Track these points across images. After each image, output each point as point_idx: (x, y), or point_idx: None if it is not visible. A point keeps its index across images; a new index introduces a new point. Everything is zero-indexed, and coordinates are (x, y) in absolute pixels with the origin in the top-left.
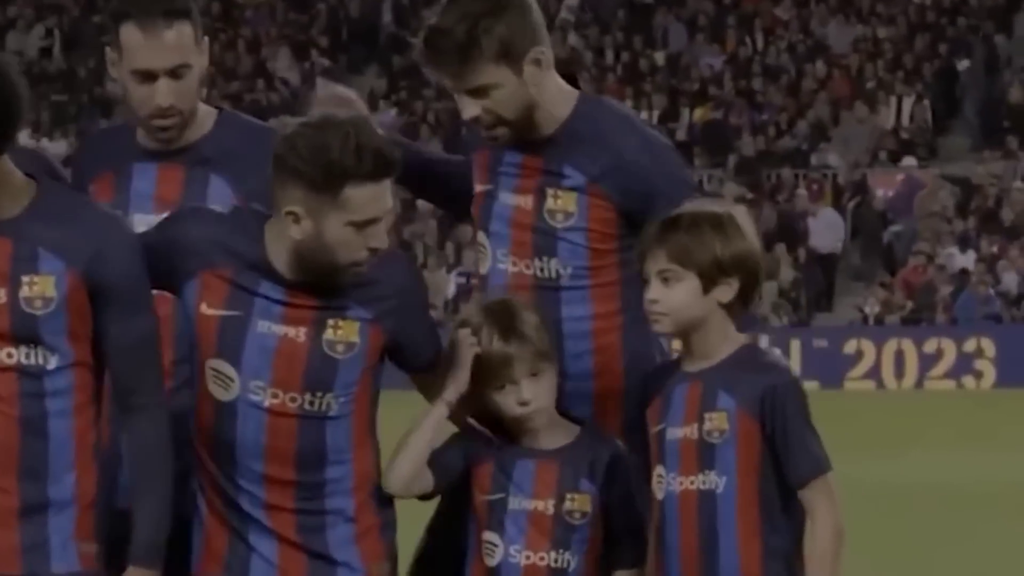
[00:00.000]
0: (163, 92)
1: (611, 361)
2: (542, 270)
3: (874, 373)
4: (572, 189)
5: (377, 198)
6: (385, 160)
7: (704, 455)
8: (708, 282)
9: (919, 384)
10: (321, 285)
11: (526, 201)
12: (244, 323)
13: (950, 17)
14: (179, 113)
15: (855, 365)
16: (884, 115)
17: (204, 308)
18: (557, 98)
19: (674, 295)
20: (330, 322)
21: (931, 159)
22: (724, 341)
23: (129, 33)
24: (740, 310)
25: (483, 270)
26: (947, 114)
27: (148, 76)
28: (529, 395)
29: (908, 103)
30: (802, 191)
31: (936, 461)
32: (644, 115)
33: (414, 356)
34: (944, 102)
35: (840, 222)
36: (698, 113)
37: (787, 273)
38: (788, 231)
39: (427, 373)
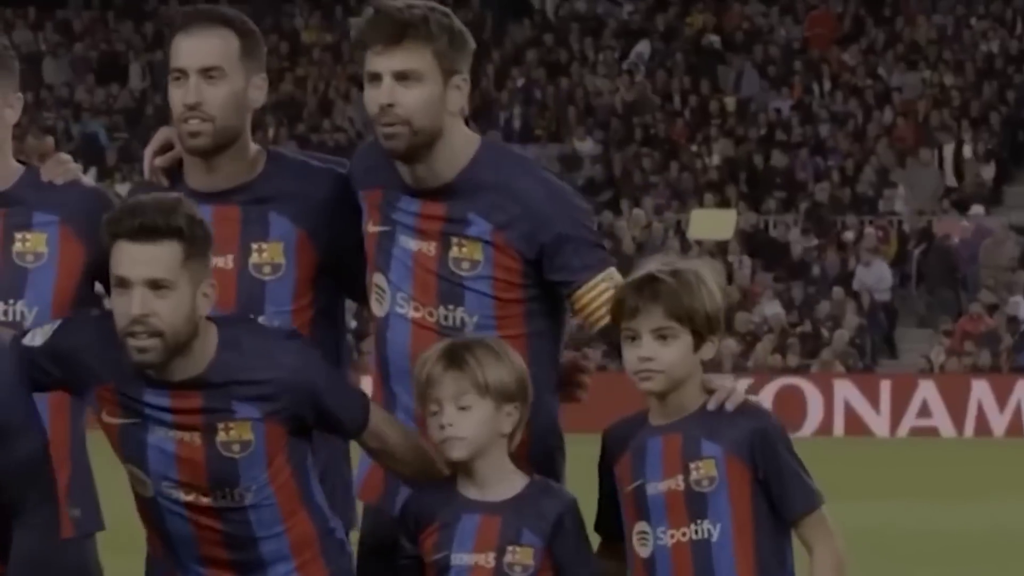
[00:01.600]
0: (192, 89)
1: None
2: (446, 318)
3: (937, 419)
4: (477, 238)
5: (132, 261)
6: (146, 226)
7: (694, 505)
8: (699, 339)
9: (983, 432)
10: (200, 385)
11: (429, 247)
12: (142, 431)
13: (1017, 65)
14: (210, 119)
15: (920, 411)
16: (950, 162)
17: (105, 417)
18: (461, 142)
19: (670, 353)
20: (219, 425)
21: (996, 207)
22: (697, 396)
23: (174, 43)
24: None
25: (380, 313)
26: (1013, 162)
27: (181, 75)
28: (449, 420)
29: (974, 150)
30: (868, 238)
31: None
32: (708, 160)
33: (337, 431)
34: (1010, 150)
35: (887, 272)
36: (764, 158)
37: (852, 320)
38: (852, 278)
39: (361, 435)
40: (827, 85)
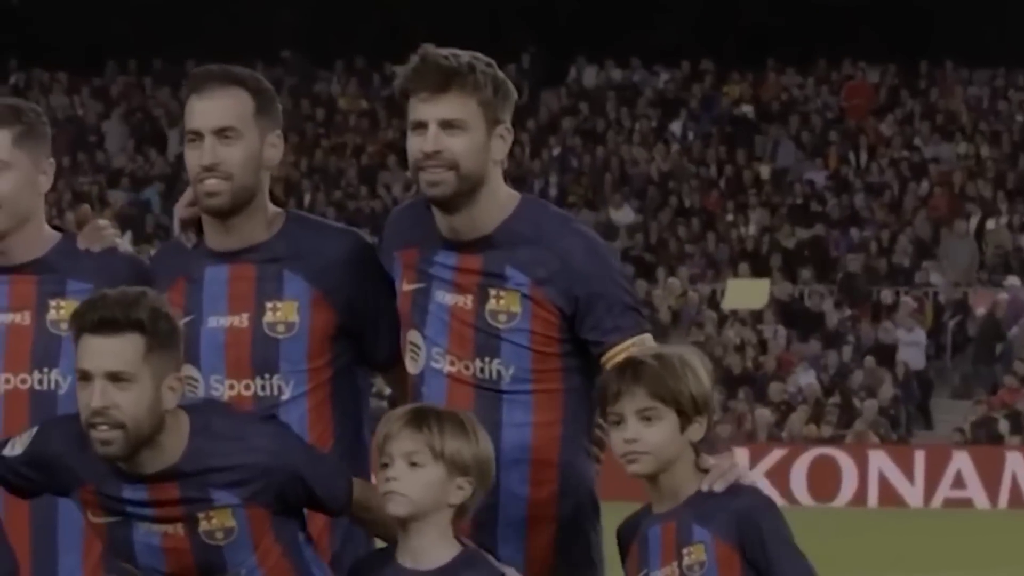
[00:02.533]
0: (207, 150)
1: (547, 474)
2: (483, 370)
3: (971, 490)
4: (515, 290)
5: (92, 354)
6: (105, 319)
7: None
8: (685, 420)
9: (1016, 504)
10: (175, 476)
11: (465, 301)
12: (127, 528)
13: None
14: (228, 178)
15: (954, 482)
16: (986, 234)
17: (91, 518)
18: (502, 194)
19: (655, 433)
20: (200, 515)
21: None
22: (692, 478)
23: (188, 104)
24: (701, 448)
25: (414, 370)
26: None
27: (196, 136)
28: (396, 474)
29: (1010, 222)
30: (903, 308)
31: None
32: (744, 230)
33: (324, 509)
34: None
35: (923, 340)
36: (799, 228)
37: (886, 390)
38: (886, 349)
39: (343, 514)
40: (863, 156)
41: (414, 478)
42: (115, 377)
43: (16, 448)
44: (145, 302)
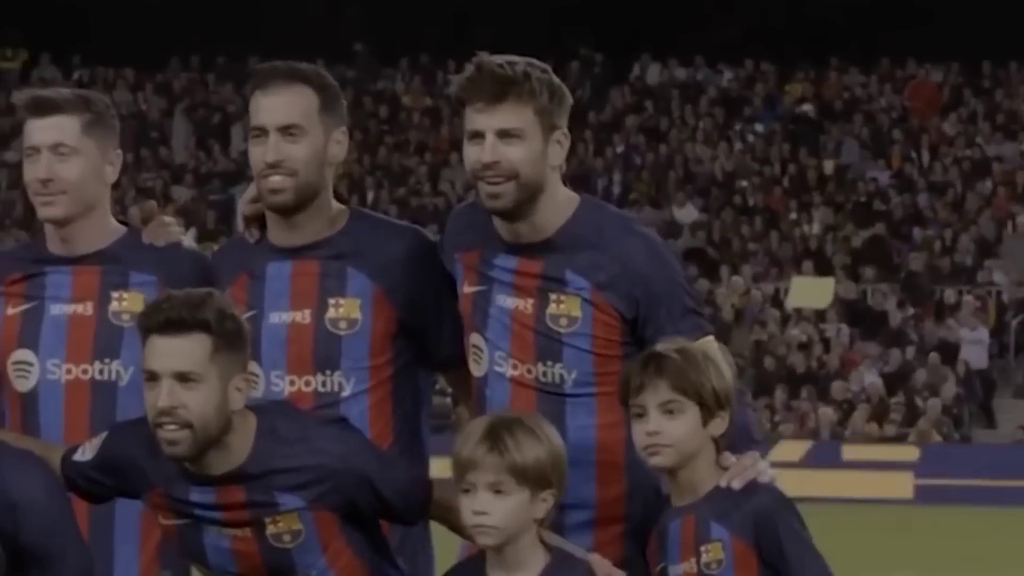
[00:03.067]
0: (272, 147)
1: (614, 475)
2: (545, 374)
3: None
4: (575, 294)
5: (159, 354)
6: (172, 319)
7: None
8: (707, 414)
9: None
10: (241, 478)
11: (526, 304)
12: (196, 531)
13: None
14: (291, 173)
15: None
16: None
17: (161, 520)
18: (561, 197)
19: (677, 427)
20: (267, 519)
21: None
22: (712, 474)
23: (253, 101)
24: (721, 444)
25: (478, 373)
26: None
27: (261, 132)
28: (482, 507)
29: None
30: (966, 308)
31: None
32: (807, 229)
33: (394, 517)
34: None
35: (986, 339)
36: (862, 227)
37: (949, 389)
38: (949, 347)
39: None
40: (926, 155)
41: (501, 507)
42: (182, 377)
43: (87, 453)
44: (212, 303)
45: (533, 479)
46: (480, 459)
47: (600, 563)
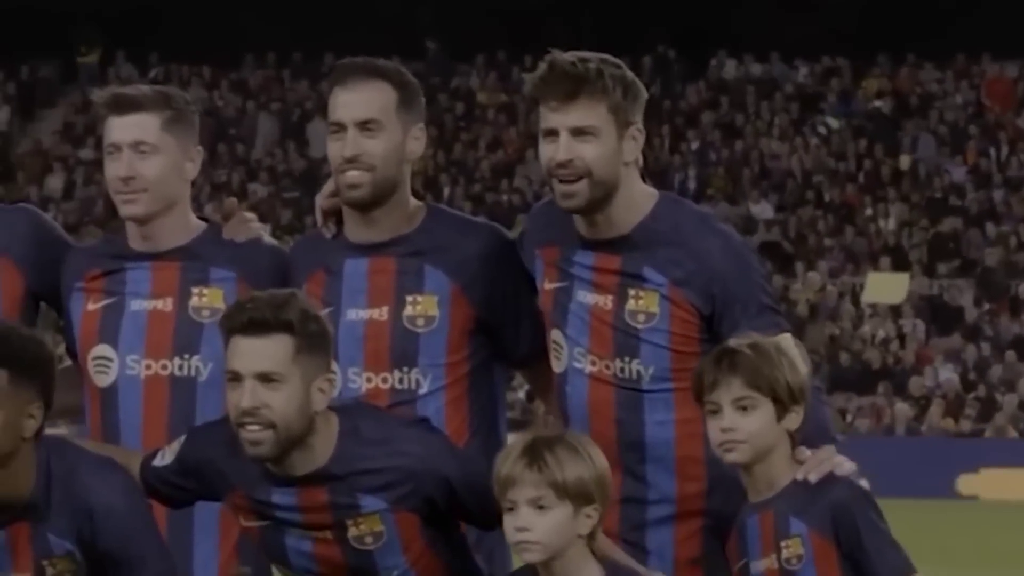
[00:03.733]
0: (350, 142)
1: (694, 469)
2: (623, 370)
3: None
4: (654, 291)
5: (242, 354)
6: (255, 320)
7: None
8: (781, 409)
9: None
10: (324, 479)
11: (605, 301)
12: (278, 533)
13: None
14: (369, 169)
15: None
16: None
17: (243, 521)
18: (638, 193)
19: (751, 422)
20: (349, 522)
21: None
22: (788, 468)
23: (332, 96)
24: (796, 440)
25: (558, 369)
26: None
27: (339, 128)
28: (524, 523)
29: None
30: None
31: None
32: (883, 224)
33: (473, 520)
34: None
35: None
36: (938, 224)
37: None
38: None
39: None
40: (1003, 150)
41: (543, 523)
42: (265, 378)
43: (166, 457)
44: (295, 303)
45: (574, 494)
46: (519, 475)
47: None
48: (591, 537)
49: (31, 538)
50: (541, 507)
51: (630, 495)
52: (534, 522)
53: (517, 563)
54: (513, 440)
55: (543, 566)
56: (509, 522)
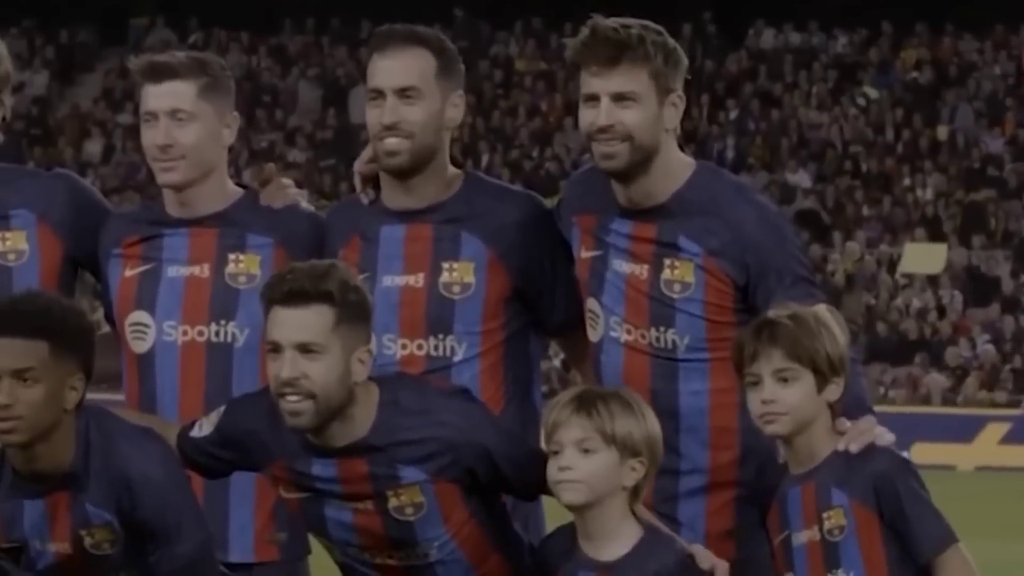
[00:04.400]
0: (389, 109)
1: (727, 439)
2: (658, 340)
3: None
4: (688, 260)
5: (282, 325)
6: (294, 290)
7: (829, 555)
8: (822, 380)
9: None
10: (364, 450)
11: (641, 270)
12: (318, 504)
13: None
14: (408, 136)
15: None
16: None
17: (282, 492)
18: (675, 162)
19: (792, 394)
20: (389, 493)
21: None
22: (828, 440)
23: (371, 63)
24: (837, 410)
25: (594, 338)
26: None
27: (378, 95)
28: (568, 462)
29: None
30: None
31: None
32: (921, 194)
33: (513, 491)
34: None
35: None
36: (976, 195)
37: None
38: None
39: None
40: None
41: (587, 464)
42: (304, 348)
43: (204, 428)
44: (335, 274)
45: (621, 443)
46: (566, 419)
47: (704, 555)
48: (634, 494)
49: (69, 508)
50: (586, 450)
51: (663, 466)
52: (578, 462)
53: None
54: (562, 392)
55: (581, 519)
56: (553, 464)
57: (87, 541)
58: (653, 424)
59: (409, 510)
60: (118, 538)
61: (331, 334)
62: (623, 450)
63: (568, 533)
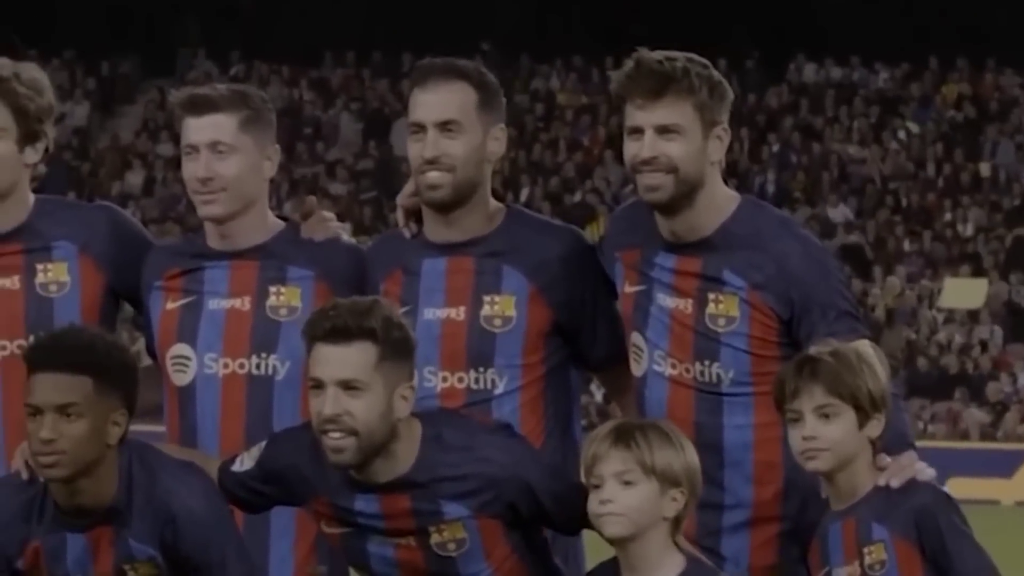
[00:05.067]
0: (430, 143)
1: (771, 474)
2: (703, 374)
3: None
4: (733, 294)
5: (325, 362)
6: (338, 327)
7: None
8: (863, 416)
9: None
10: (407, 486)
11: (686, 304)
12: (360, 540)
13: None
14: (449, 170)
15: None
16: None
17: (324, 527)
18: (720, 195)
19: (833, 430)
20: (431, 528)
21: None
22: (869, 476)
23: (412, 97)
24: (878, 446)
25: (638, 372)
26: None
27: (419, 129)
28: (609, 495)
29: None
30: None
31: None
32: (962, 229)
33: (555, 526)
34: None
35: None
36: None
37: None
38: None
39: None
40: None
41: (628, 497)
42: (347, 385)
43: (245, 463)
44: (378, 311)
45: (661, 473)
46: (606, 452)
47: None
48: (676, 525)
49: (112, 543)
50: (627, 482)
51: (707, 500)
52: (618, 495)
53: (592, 565)
54: (600, 426)
55: (624, 552)
56: (594, 497)
57: (131, 575)
58: (692, 454)
59: (452, 546)
60: (162, 573)
61: (374, 371)
62: (663, 481)
63: (611, 567)
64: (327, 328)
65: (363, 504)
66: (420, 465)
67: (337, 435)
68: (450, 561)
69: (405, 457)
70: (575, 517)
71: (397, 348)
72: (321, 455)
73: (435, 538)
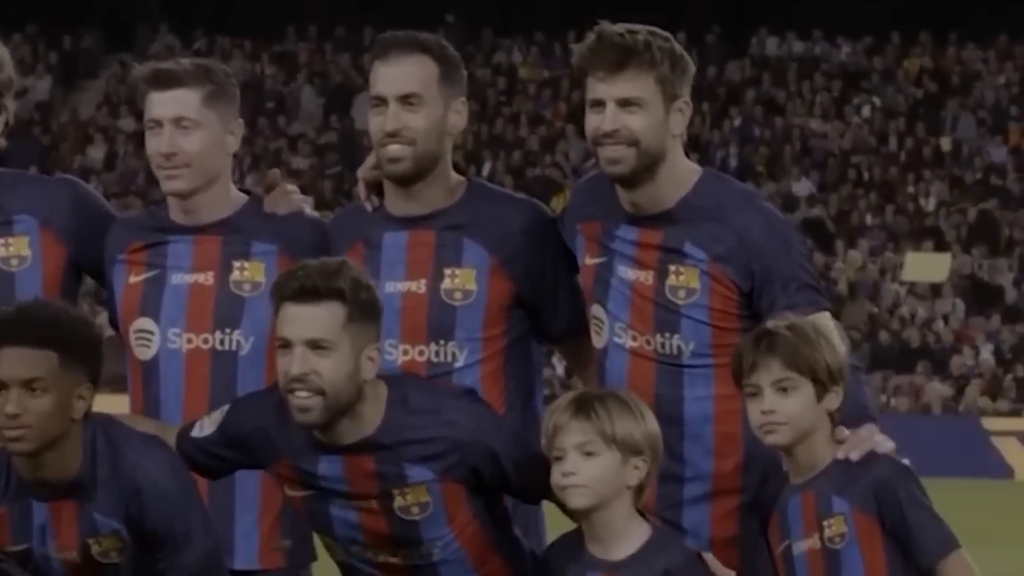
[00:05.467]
0: (391, 116)
1: (731, 446)
2: (663, 346)
3: None
4: (694, 266)
5: (293, 321)
6: (306, 287)
7: (831, 564)
8: (821, 389)
9: None
10: (371, 448)
11: (646, 276)
12: (323, 503)
13: None
14: (410, 143)
15: None
16: None
17: (287, 491)
18: (682, 168)
19: (791, 404)
20: (395, 492)
21: None
22: (828, 449)
23: (373, 70)
24: (836, 419)
25: (599, 345)
26: None
27: (380, 102)
28: (571, 467)
29: None
30: None
31: None
32: (924, 203)
33: (515, 493)
34: None
35: None
36: (979, 204)
37: None
38: None
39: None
40: None
41: (590, 467)
42: (315, 344)
43: (206, 428)
44: (347, 272)
45: (622, 443)
46: (566, 423)
47: (714, 564)
48: (638, 493)
49: (76, 516)
50: (588, 453)
51: (667, 472)
52: (580, 466)
53: (552, 535)
54: (561, 397)
55: (588, 522)
56: (556, 470)
57: (94, 549)
58: (652, 422)
59: (415, 509)
60: (126, 546)
61: (342, 331)
62: (625, 450)
63: (575, 538)
64: (296, 288)
65: (327, 467)
66: (385, 427)
67: (304, 394)
68: (413, 525)
69: (371, 419)
70: (536, 487)
71: (365, 309)
72: (286, 417)
73: (398, 501)
